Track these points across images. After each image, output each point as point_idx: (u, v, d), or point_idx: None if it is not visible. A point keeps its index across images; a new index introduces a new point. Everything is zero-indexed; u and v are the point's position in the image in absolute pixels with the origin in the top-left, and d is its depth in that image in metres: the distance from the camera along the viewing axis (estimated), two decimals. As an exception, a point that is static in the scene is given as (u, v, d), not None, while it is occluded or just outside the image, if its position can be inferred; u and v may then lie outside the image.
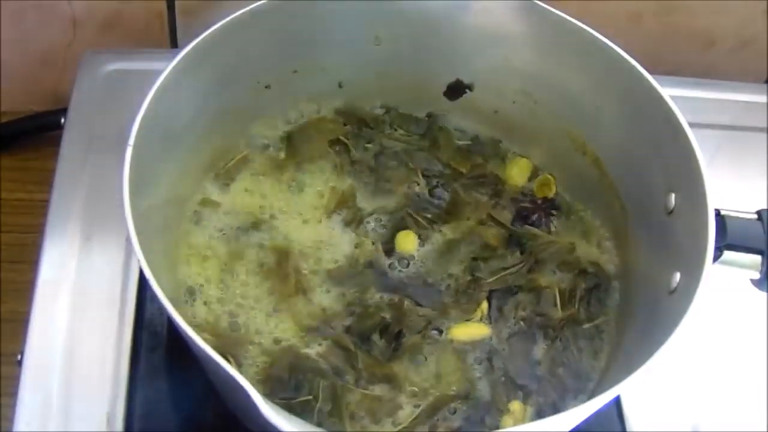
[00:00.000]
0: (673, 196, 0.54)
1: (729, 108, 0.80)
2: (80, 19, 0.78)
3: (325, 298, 0.58)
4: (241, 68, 0.59)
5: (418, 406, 0.54)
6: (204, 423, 0.58)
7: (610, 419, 0.61)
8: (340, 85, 0.66)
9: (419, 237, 0.62)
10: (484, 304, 0.59)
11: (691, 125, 0.53)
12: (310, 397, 0.53)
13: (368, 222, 0.62)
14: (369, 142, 0.66)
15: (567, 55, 0.59)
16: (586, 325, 0.59)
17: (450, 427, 0.54)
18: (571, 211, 0.64)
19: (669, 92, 0.54)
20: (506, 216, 0.63)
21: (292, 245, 0.60)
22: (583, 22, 0.58)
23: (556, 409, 0.55)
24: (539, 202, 0.64)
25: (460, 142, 0.67)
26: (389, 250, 0.61)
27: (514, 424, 0.54)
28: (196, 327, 0.55)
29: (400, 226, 0.62)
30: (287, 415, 0.40)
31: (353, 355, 0.55)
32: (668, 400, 0.62)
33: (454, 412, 0.55)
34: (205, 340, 0.43)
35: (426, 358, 0.56)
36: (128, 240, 0.45)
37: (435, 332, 0.58)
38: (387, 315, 0.57)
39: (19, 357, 0.59)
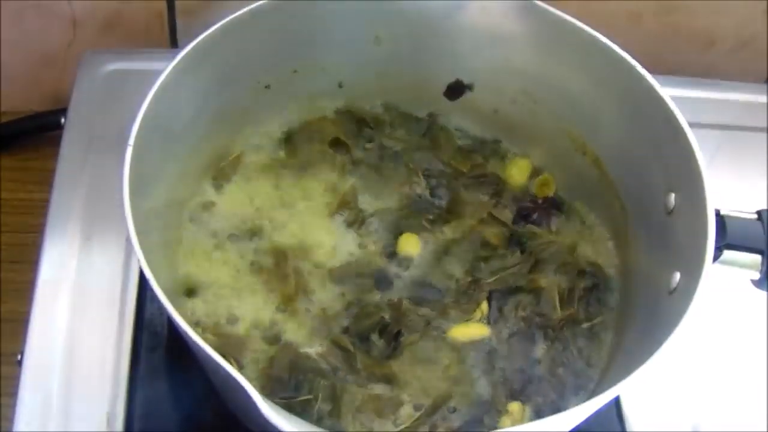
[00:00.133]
0: (673, 196, 0.54)
1: (729, 108, 0.80)
2: (80, 19, 0.78)
3: (325, 298, 0.58)
4: (241, 68, 0.60)
5: (418, 406, 0.54)
6: (204, 423, 0.58)
7: (610, 419, 0.61)
8: (340, 85, 0.66)
9: (421, 238, 0.62)
10: (484, 305, 0.59)
11: (691, 125, 0.53)
12: (310, 396, 0.53)
13: (370, 223, 0.62)
14: (369, 142, 0.66)
15: (567, 55, 0.59)
16: (586, 325, 0.59)
17: (449, 427, 0.54)
18: (571, 211, 0.64)
19: (669, 92, 0.54)
20: (507, 215, 0.63)
21: (293, 246, 0.60)
22: (583, 22, 0.58)
23: (555, 410, 0.55)
24: (539, 201, 0.64)
25: (461, 142, 0.67)
26: (391, 251, 0.61)
27: (513, 425, 0.54)
28: (196, 327, 0.55)
29: (401, 227, 0.62)
30: (287, 415, 0.40)
31: (352, 355, 0.55)
32: (668, 400, 0.62)
33: (454, 412, 0.55)
34: (205, 340, 0.43)
35: (425, 358, 0.56)
36: (128, 240, 0.45)
37: (434, 332, 0.58)
38: (386, 315, 0.57)
39: (19, 357, 0.59)
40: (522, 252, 0.61)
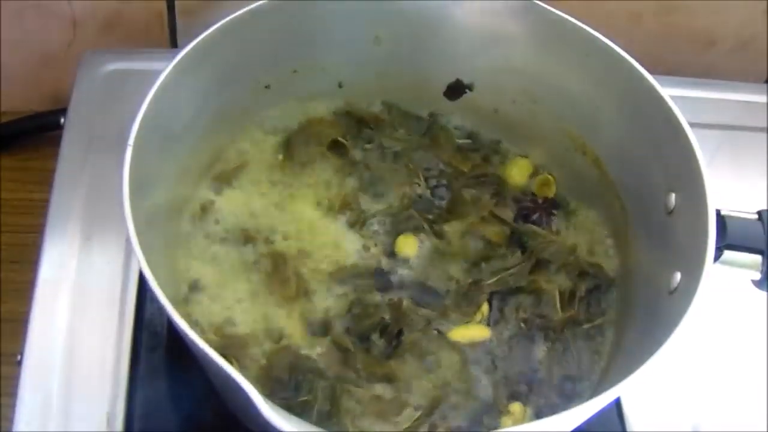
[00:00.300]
0: (673, 196, 0.54)
1: (729, 108, 0.80)
2: (80, 19, 0.78)
3: (325, 298, 0.58)
4: (241, 68, 0.59)
5: (418, 406, 0.54)
6: (204, 423, 0.58)
7: (610, 419, 0.61)
8: (340, 85, 0.66)
9: (421, 238, 0.62)
10: (485, 307, 0.59)
11: (691, 125, 0.53)
12: (309, 397, 0.53)
13: (371, 224, 0.62)
14: (369, 143, 0.66)
15: (567, 55, 0.59)
16: (586, 326, 0.59)
17: (449, 427, 0.54)
18: (571, 211, 0.64)
19: (669, 92, 0.54)
20: (508, 214, 0.63)
21: (293, 246, 0.60)
22: (583, 22, 0.58)
23: (555, 410, 0.55)
24: (539, 201, 0.64)
25: (461, 142, 0.67)
26: (391, 252, 0.61)
27: (513, 425, 0.54)
28: (196, 327, 0.55)
29: (401, 228, 0.62)
30: (287, 415, 0.40)
31: (352, 355, 0.55)
32: (668, 400, 0.62)
33: (454, 413, 0.55)
34: (204, 340, 0.43)
35: (426, 358, 0.56)
36: (128, 240, 0.45)
37: (435, 332, 0.58)
38: (386, 315, 0.57)
39: (19, 357, 0.59)
40: (523, 252, 0.61)
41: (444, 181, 0.65)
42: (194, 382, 0.58)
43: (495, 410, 0.55)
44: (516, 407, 0.55)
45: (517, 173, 0.65)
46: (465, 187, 0.64)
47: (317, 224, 0.61)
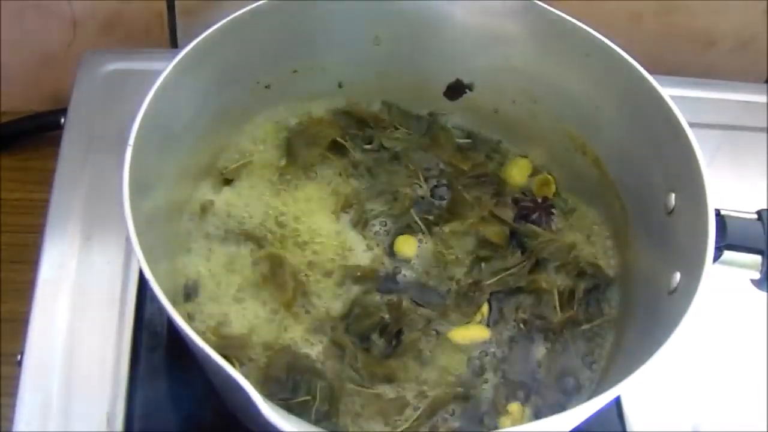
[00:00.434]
0: (673, 196, 0.54)
1: (729, 108, 0.80)
2: (80, 19, 0.78)
3: (325, 298, 0.58)
4: (241, 68, 0.60)
5: (418, 406, 0.54)
6: (204, 423, 0.58)
7: (610, 419, 0.61)
8: (340, 85, 0.66)
9: (421, 239, 0.62)
10: (485, 307, 0.59)
11: (691, 125, 0.53)
12: (308, 397, 0.53)
13: (373, 224, 0.62)
14: (369, 143, 0.66)
15: (567, 55, 0.59)
16: (586, 326, 0.59)
17: (449, 428, 0.54)
18: (571, 211, 0.64)
19: (669, 92, 0.54)
20: (508, 215, 0.63)
21: (293, 247, 0.60)
22: (583, 22, 0.58)
23: (555, 411, 0.55)
24: (539, 201, 0.64)
25: (461, 141, 0.67)
26: (392, 252, 0.61)
27: (513, 425, 0.54)
28: (196, 327, 0.55)
29: (402, 228, 0.62)
30: (287, 415, 0.40)
31: (352, 354, 0.55)
32: (668, 400, 0.62)
33: (453, 413, 0.55)
34: (204, 340, 0.43)
35: (425, 358, 0.56)
36: (128, 240, 0.45)
37: (435, 332, 0.58)
38: (386, 315, 0.57)
39: (19, 357, 0.59)
40: (523, 252, 0.61)
41: (444, 181, 0.65)
42: (194, 382, 0.58)
43: (494, 410, 0.55)
44: (515, 407, 0.55)
45: (517, 173, 0.65)
46: (465, 187, 0.64)
47: (318, 224, 0.61)
